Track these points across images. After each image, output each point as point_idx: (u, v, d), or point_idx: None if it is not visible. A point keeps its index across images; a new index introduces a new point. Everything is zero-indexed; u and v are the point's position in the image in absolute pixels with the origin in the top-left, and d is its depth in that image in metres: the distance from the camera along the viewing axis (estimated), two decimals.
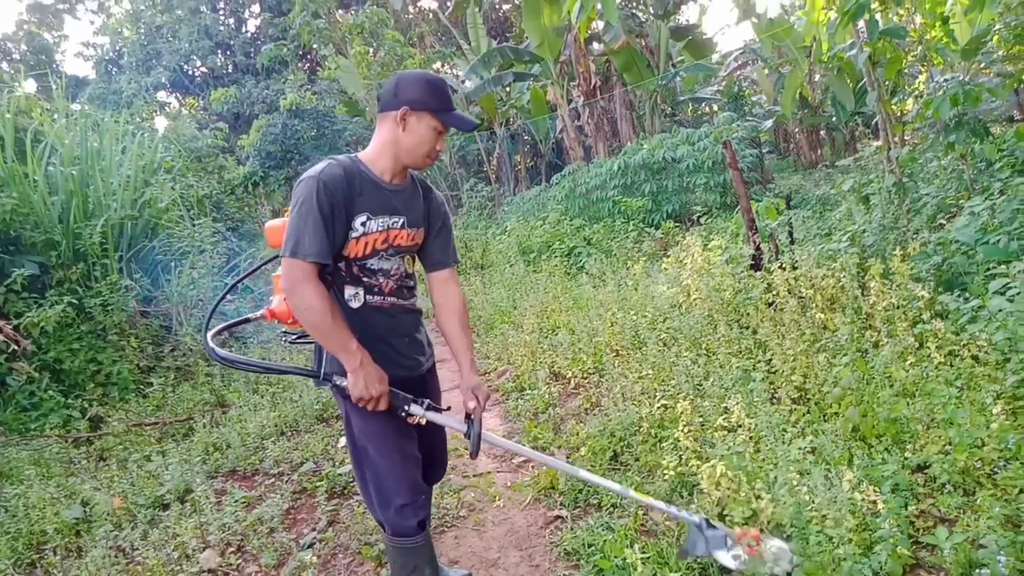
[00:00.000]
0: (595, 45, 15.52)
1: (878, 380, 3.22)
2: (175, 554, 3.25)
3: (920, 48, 7.63)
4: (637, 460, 3.31)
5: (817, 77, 15.38)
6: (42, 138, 7.67)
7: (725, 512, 2.53)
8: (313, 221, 1.97)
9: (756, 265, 4.89)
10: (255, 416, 5.07)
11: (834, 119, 15.13)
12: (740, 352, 4.07)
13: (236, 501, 3.72)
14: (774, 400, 3.45)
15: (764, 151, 14.92)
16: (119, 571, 3.18)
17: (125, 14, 24.59)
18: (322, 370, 2.14)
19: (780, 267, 4.43)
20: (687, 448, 3.03)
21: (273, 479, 4.19)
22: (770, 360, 3.79)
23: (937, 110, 4.22)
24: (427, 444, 2.38)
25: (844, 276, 4.21)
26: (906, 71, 8.41)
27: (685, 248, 5.52)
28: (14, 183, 6.67)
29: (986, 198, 4.05)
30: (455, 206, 17.10)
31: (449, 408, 2.32)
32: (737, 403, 3.11)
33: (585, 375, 4.77)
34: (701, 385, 3.77)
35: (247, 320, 2.52)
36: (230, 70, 24.65)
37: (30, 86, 21.61)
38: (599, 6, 10.12)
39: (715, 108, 18.75)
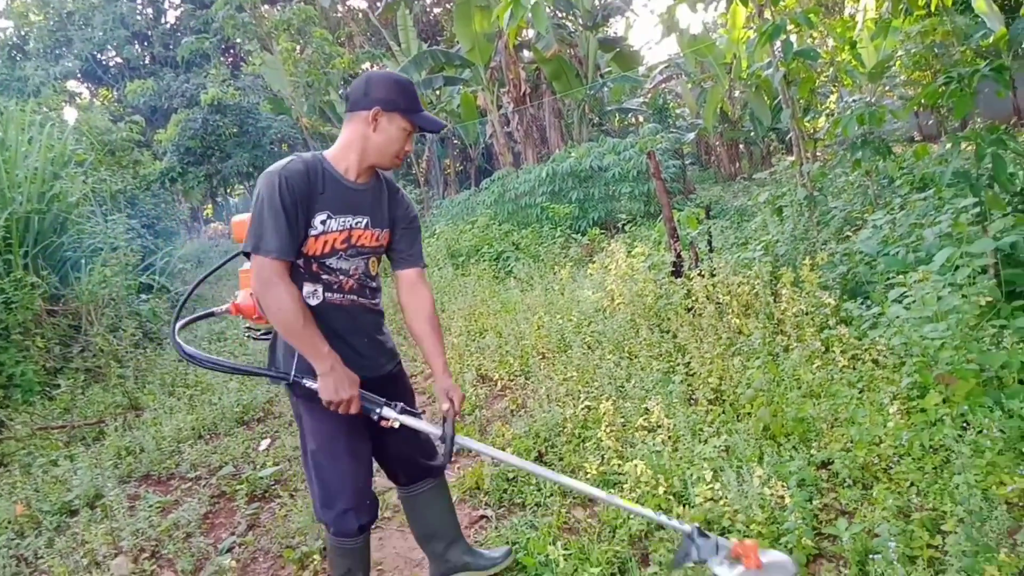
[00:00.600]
0: (525, 52, 15.68)
1: (787, 382, 3.39)
2: (84, 561, 3.12)
3: (831, 69, 8.08)
4: (561, 460, 3.37)
5: (737, 93, 15.96)
6: None
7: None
8: (275, 217, 1.95)
9: (677, 272, 5.06)
10: (171, 419, 4.91)
11: (752, 134, 15.78)
12: (661, 355, 4.21)
13: (151, 506, 3.59)
14: (692, 401, 3.59)
15: (686, 162, 15.39)
16: None
17: None
18: (291, 373, 2.09)
19: (699, 274, 4.62)
20: (609, 448, 3.13)
21: (190, 483, 4.07)
22: (688, 363, 3.93)
23: (845, 129, 4.44)
24: (399, 444, 2.34)
25: (758, 283, 4.41)
26: (819, 91, 8.86)
27: (610, 254, 5.67)
28: None
29: (887, 212, 4.30)
30: None
31: (424, 412, 2.28)
32: (657, 404, 3.24)
33: (512, 377, 4.82)
34: (623, 387, 3.88)
35: (211, 314, 2.44)
36: (147, 61, 23.71)
37: None
38: (529, 15, 10.23)
39: (641, 119, 19.22)
